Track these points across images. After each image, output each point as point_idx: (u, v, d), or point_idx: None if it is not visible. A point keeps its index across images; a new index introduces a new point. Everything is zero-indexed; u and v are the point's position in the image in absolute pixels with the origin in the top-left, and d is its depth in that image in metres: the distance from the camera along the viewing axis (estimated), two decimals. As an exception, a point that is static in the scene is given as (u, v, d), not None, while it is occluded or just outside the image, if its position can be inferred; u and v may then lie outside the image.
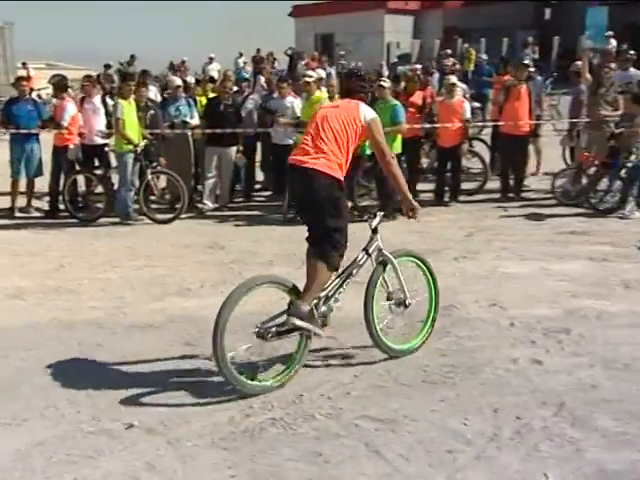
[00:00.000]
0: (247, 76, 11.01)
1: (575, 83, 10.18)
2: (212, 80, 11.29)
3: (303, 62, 21.37)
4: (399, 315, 4.57)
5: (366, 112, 4.39)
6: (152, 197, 9.34)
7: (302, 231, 7.56)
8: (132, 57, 20.89)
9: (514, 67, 10.00)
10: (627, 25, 23.23)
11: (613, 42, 19.47)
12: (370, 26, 28.35)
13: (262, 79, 11.60)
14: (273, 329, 4.14)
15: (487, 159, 10.47)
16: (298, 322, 4.14)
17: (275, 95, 10.17)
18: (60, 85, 9.64)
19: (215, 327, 3.98)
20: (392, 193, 8.63)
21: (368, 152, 8.81)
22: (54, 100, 9.70)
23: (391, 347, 4.51)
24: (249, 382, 4.09)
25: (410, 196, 4.50)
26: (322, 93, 9.34)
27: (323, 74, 11.70)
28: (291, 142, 9.49)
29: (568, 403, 3.88)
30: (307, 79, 9.36)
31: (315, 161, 4.24)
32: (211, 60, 22.57)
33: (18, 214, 9.42)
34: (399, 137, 8.80)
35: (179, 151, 9.63)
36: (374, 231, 4.56)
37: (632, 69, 10.88)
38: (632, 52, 10.92)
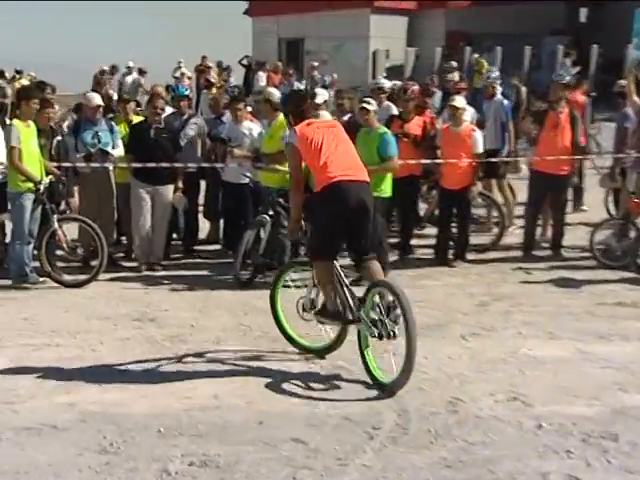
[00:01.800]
0: (187, 92, 11.05)
1: (620, 107, 10.50)
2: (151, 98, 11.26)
3: (263, 75, 21.78)
4: None
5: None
6: (59, 252, 9.30)
7: (259, 298, 7.64)
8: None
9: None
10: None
11: (669, 53, 20.14)
12: (351, 29, 28.89)
13: (209, 97, 11.76)
14: None
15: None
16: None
17: (226, 119, 10.31)
18: None
19: None
20: (380, 249, 8.75)
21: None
22: None
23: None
24: None
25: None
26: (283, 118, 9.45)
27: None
28: (247, 181, 9.59)
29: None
30: (266, 96, 9.48)
31: (364, 176, 6.16)
32: (130, 70, 22.27)
33: None
34: (389, 177, 8.95)
35: (97, 191, 9.64)
36: None
37: None
38: None
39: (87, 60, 22.33)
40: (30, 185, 8.68)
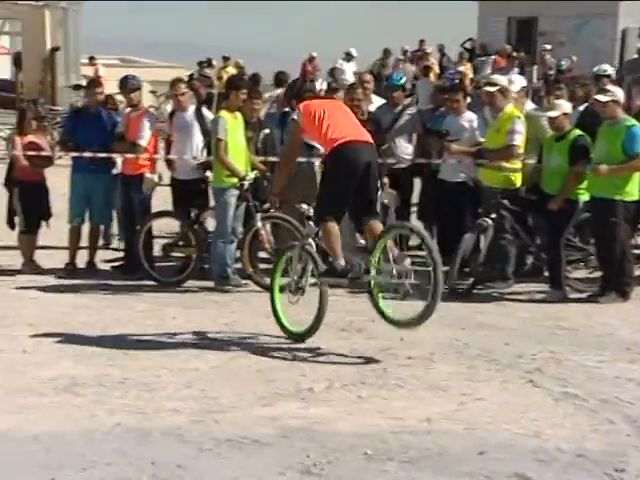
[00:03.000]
0: (403, 81, 11.02)
1: None
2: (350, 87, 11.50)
3: (489, 60, 21.57)
4: None
5: None
6: (262, 253, 9.65)
7: (478, 312, 7.62)
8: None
9: None
10: None
11: None
12: (596, 5, 27.75)
13: (430, 84, 11.78)
14: None
15: None
16: None
17: (444, 109, 10.31)
18: (131, 89, 9.97)
19: None
20: (623, 261, 8.48)
21: (585, 197, 8.72)
22: (127, 110, 10.23)
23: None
24: None
25: None
26: (513, 109, 9.31)
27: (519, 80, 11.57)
28: (463, 177, 9.53)
29: None
30: (489, 88, 9.36)
31: (368, 138, 7.21)
32: (349, 57, 22.97)
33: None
34: (636, 177, 8.64)
35: (303, 187, 9.89)
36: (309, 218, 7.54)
37: None
38: None
39: (292, 48, 23.30)
40: (234, 180, 9.07)
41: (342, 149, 7.02)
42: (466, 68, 18.41)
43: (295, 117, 7.45)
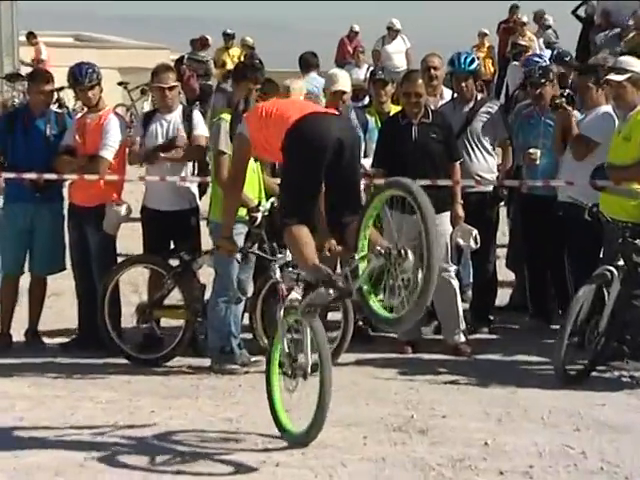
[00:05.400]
0: (473, 66, 10.68)
1: None
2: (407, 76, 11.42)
3: (609, 34, 21.39)
4: None
5: None
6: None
7: (598, 405, 7.49)
8: None
9: None
10: None
11: None
12: None
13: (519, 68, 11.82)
14: None
15: None
16: None
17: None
18: (89, 85, 9.95)
19: None
20: None
21: None
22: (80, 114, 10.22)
23: None
24: None
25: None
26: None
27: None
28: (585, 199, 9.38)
29: None
30: (614, 77, 9.27)
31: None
32: (393, 33, 23.13)
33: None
34: None
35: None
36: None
37: None
38: None
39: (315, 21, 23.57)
40: (242, 212, 8.85)
41: (301, 124, 7.17)
42: None
43: (241, 130, 7.65)
